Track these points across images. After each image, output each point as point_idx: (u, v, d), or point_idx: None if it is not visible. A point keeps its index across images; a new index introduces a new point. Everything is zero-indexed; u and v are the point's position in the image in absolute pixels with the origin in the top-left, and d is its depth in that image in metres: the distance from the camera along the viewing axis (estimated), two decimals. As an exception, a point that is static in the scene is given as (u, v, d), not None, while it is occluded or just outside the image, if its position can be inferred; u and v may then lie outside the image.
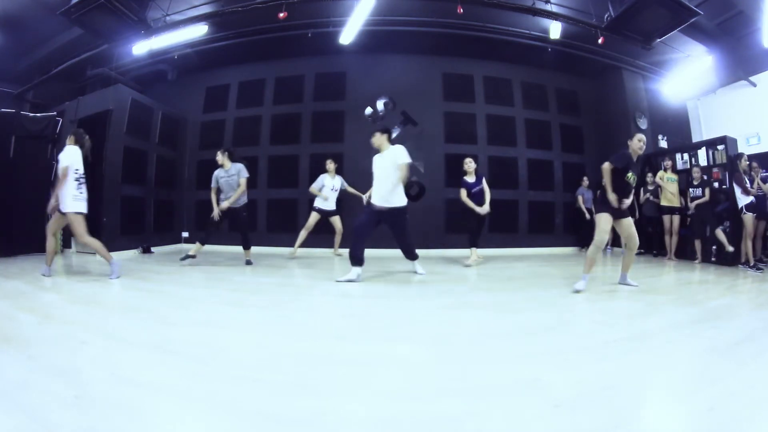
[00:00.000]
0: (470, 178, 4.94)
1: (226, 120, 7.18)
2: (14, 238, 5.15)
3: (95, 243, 3.63)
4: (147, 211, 6.37)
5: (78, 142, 3.73)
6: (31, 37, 6.06)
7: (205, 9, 5.59)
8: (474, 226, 5.04)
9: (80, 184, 3.61)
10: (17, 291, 3.05)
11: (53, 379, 1.45)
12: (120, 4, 4.53)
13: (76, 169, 3.60)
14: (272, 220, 6.79)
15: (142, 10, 5.00)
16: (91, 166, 5.85)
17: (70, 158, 3.57)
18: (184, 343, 1.95)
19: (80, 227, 3.57)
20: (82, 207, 3.61)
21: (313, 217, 5.52)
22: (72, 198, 3.54)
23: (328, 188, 5.52)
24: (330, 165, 5.51)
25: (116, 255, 5.45)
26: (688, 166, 6.23)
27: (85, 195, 3.65)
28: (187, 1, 5.60)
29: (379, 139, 3.79)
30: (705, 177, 5.54)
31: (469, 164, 4.95)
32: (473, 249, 5.02)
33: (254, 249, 6.61)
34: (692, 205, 5.44)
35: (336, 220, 5.69)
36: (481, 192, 4.88)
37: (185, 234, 7.23)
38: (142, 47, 5.79)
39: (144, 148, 6.34)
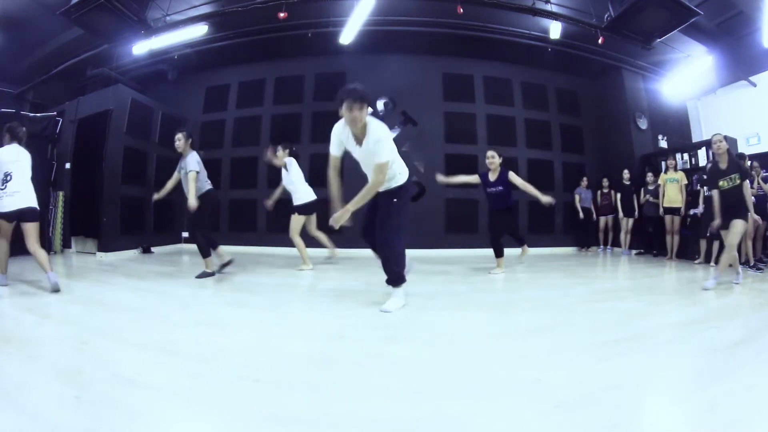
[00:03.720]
0: (492, 176, 4.36)
1: (226, 120, 7.18)
2: (14, 238, 5.14)
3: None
4: (147, 211, 6.37)
5: (15, 137, 3.28)
6: (31, 37, 6.06)
7: (205, 9, 5.58)
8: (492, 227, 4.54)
9: (5, 181, 3.10)
10: (17, 291, 3.05)
11: (53, 379, 1.45)
12: (120, 4, 4.53)
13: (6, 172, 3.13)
14: (272, 220, 6.78)
15: (142, 10, 4.99)
16: (91, 166, 5.92)
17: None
18: (185, 343, 1.95)
19: None
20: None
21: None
22: None
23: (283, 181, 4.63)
24: (279, 152, 4.56)
25: (116, 255, 5.50)
26: (689, 166, 6.24)
27: (9, 189, 3.10)
28: (187, 1, 5.60)
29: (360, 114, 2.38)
30: None
31: (491, 159, 4.34)
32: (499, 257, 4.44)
33: (255, 249, 6.66)
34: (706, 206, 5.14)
35: (293, 220, 4.50)
36: (501, 193, 4.31)
37: (185, 234, 7.23)
38: (142, 47, 5.78)
39: (144, 148, 6.33)
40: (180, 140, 3.95)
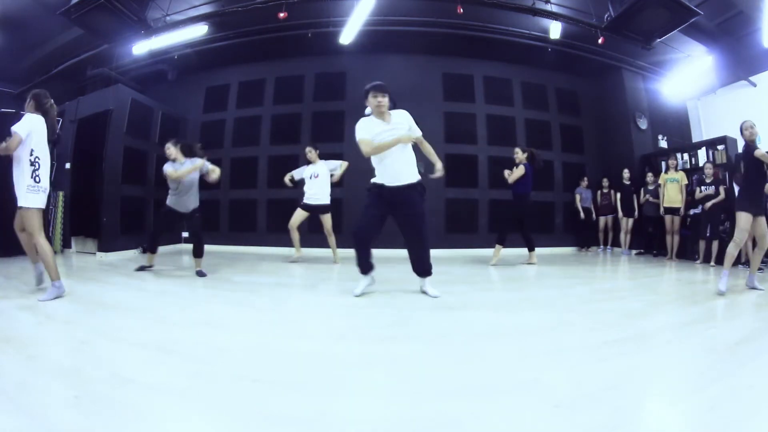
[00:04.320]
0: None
1: (226, 120, 7.18)
2: (14, 238, 5.14)
3: (46, 248, 2.79)
4: (147, 211, 6.37)
5: (40, 107, 2.85)
6: (31, 37, 6.06)
7: (205, 9, 5.58)
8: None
9: (36, 169, 2.72)
10: (17, 291, 3.05)
11: (53, 379, 1.45)
12: (120, 4, 4.53)
13: (32, 150, 2.71)
14: (272, 220, 6.79)
15: (142, 10, 4.99)
16: (91, 166, 5.91)
17: (25, 129, 2.66)
18: (184, 343, 1.95)
19: (36, 223, 2.77)
20: (40, 201, 2.78)
21: (298, 213, 4.96)
22: (26, 189, 2.71)
23: (306, 175, 4.94)
24: (310, 153, 4.93)
25: (116, 255, 5.49)
26: (689, 166, 6.24)
27: (44, 185, 2.80)
28: (187, 1, 5.60)
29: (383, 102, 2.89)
30: (720, 175, 5.29)
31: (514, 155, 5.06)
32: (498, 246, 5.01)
33: (256, 249, 6.66)
34: (707, 205, 5.17)
35: (326, 219, 4.93)
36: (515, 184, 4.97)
37: (185, 234, 7.23)
38: (142, 47, 5.78)
39: (144, 148, 6.33)
40: (170, 148, 4.15)
